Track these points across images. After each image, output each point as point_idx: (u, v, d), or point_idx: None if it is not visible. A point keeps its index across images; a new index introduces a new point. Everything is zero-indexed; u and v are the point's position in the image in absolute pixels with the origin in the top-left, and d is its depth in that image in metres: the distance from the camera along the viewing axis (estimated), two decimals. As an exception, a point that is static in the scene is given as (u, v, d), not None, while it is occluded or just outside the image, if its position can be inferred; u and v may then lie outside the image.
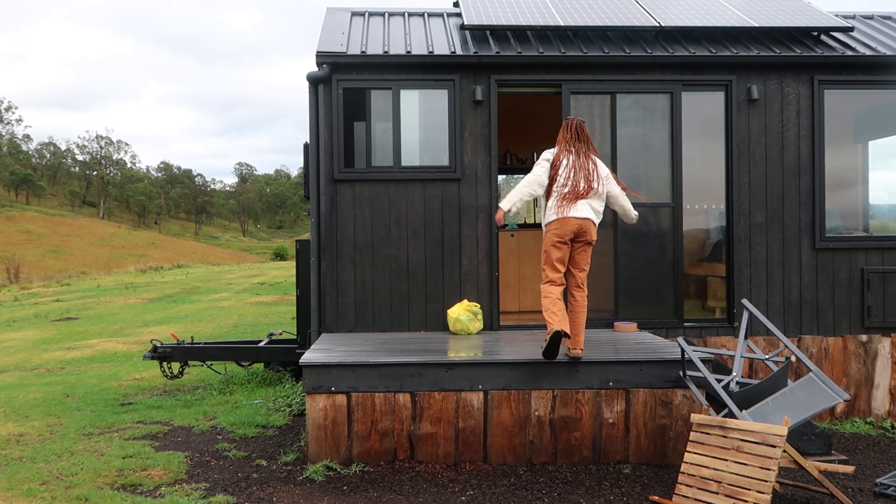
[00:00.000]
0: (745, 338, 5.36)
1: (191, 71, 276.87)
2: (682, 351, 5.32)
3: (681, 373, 5.45)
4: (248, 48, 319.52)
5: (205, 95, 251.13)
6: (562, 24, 7.37)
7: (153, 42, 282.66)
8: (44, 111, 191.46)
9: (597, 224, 5.64)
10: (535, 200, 12.88)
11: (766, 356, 5.33)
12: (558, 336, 5.30)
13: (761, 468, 4.44)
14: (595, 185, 5.57)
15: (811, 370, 4.95)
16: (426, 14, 8.24)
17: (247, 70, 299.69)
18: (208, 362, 8.82)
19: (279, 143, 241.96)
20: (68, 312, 16.35)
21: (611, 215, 7.22)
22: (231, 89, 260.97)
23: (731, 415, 4.85)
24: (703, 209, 7.36)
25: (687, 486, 4.72)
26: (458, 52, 7.10)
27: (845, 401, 4.79)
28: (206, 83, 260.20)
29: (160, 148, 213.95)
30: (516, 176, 15.78)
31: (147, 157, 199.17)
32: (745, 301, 5.50)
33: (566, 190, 5.54)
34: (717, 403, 5.86)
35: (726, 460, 4.61)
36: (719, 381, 5.02)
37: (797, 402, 4.79)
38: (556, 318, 5.36)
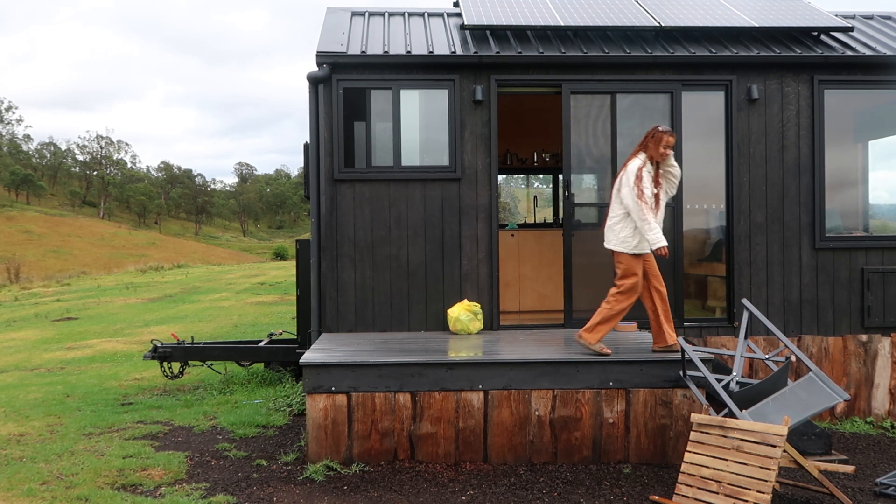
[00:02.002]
0: (746, 337, 5.36)
1: (196, 72, 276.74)
2: (682, 351, 5.33)
3: (681, 372, 5.45)
4: (254, 49, 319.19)
5: (209, 96, 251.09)
6: (562, 23, 7.37)
7: (159, 43, 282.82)
8: (50, 111, 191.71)
9: (609, 242, 5.84)
10: (535, 200, 12.88)
11: (766, 356, 5.33)
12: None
13: (761, 468, 4.44)
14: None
15: (811, 370, 4.95)
16: (426, 14, 8.23)
17: (252, 71, 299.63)
18: (208, 362, 8.82)
19: (281, 143, 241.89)
20: (68, 312, 16.35)
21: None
22: (235, 90, 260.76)
23: (731, 414, 4.85)
24: (703, 209, 7.36)
25: (687, 485, 4.72)
26: (459, 52, 7.10)
27: (845, 400, 4.79)
28: (211, 84, 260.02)
29: (163, 148, 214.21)
30: (516, 176, 15.79)
31: (150, 157, 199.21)
32: (745, 301, 5.51)
33: None
34: (717, 403, 5.86)
35: (726, 460, 4.61)
36: (719, 381, 5.03)
37: (797, 401, 4.80)
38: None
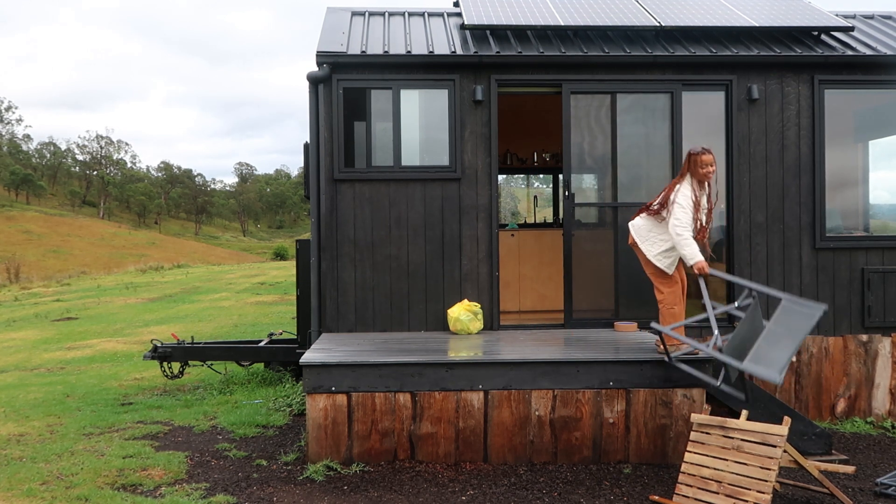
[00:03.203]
0: (709, 298, 5.37)
1: (199, 72, 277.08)
2: (659, 333, 5.33)
3: (665, 358, 5.43)
4: (255, 49, 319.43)
5: (211, 96, 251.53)
6: (562, 23, 7.37)
7: (161, 43, 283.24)
8: (52, 111, 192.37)
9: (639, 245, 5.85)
10: (535, 200, 12.88)
11: (735, 304, 5.33)
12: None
13: (762, 468, 4.44)
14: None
15: (782, 298, 4.94)
16: (426, 14, 8.23)
17: (253, 71, 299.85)
18: (208, 362, 8.82)
19: (282, 143, 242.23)
20: (68, 312, 16.34)
21: (611, 215, 7.22)
22: (237, 90, 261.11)
23: (728, 378, 4.88)
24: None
25: (687, 485, 4.72)
26: (459, 51, 7.09)
27: (825, 312, 4.75)
28: (213, 84, 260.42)
29: (165, 148, 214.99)
30: (516, 176, 15.78)
31: (151, 157, 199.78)
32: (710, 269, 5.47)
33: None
34: (717, 402, 5.87)
35: (727, 460, 4.61)
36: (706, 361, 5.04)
37: (785, 331, 4.74)
38: None
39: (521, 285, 8.68)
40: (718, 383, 5.07)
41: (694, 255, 5.41)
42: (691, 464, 4.77)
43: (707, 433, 4.80)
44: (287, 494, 4.89)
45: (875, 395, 7.15)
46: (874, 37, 7.75)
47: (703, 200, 5.65)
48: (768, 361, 4.58)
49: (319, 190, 7.00)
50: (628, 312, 7.17)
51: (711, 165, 5.56)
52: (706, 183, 5.65)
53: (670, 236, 5.61)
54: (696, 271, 5.42)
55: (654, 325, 5.41)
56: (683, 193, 5.55)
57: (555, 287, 8.38)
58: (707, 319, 7.20)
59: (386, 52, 7.05)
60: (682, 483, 4.75)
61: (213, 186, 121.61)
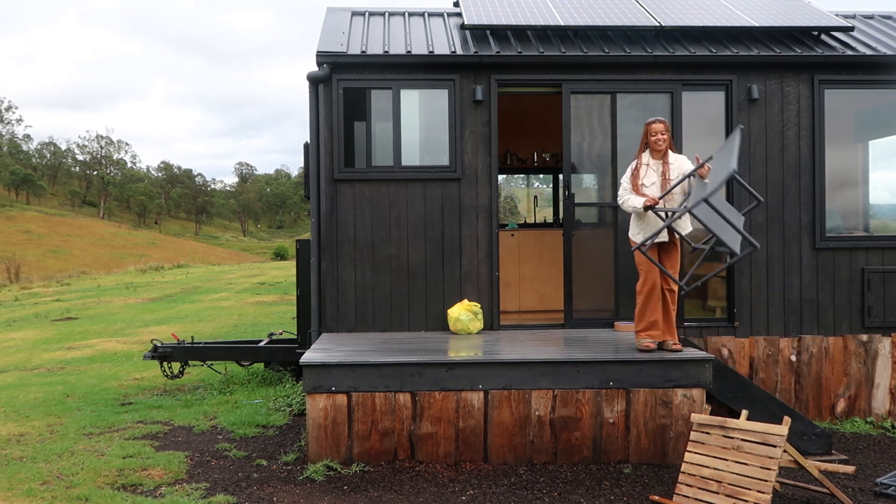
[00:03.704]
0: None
1: (199, 72, 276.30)
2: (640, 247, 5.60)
3: (678, 288, 5.74)
4: (257, 49, 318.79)
5: (211, 96, 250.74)
6: (562, 23, 7.37)
7: (162, 43, 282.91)
8: (52, 111, 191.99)
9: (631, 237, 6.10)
10: (535, 200, 12.86)
11: (687, 207, 5.51)
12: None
13: (762, 468, 4.45)
14: None
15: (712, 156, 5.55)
16: (426, 14, 8.23)
17: (254, 71, 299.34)
18: (208, 362, 8.82)
19: (282, 143, 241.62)
20: (68, 312, 16.34)
21: (611, 215, 7.22)
22: (238, 90, 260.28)
23: (732, 253, 5.15)
24: (704, 209, 7.34)
25: (687, 485, 4.72)
26: (459, 51, 7.09)
27: (742, 130, 5.23)
28: (213, 84, 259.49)
29: (165, 148, 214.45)
30: (516, 176, 15.79)
31: (152, 156, 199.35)
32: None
33: None
34: (716, 402, 5.88)
35: (727, 460, 4.61)
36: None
37: (723, 158, 5.37)
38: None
39: (521, 285, 8.68)
40: (730, 262, 5.56)
41: (638, 200, 5.70)
42: (691, 464, 4.77)
43: (707, 433, 4.80)
44: (287, 494, 4.89)
45: (875, 395, 7.15)
46: (874, 37, 7.75)
47: (668, 172, 5.79)
48: (723, 170, 5.10)
49: (319, 190, 7.00)
50: (628, 312, 7.15)
51: (662, 133, 5.82)
52: (664, 154, 5.84)
53: (639, 217, 5.85)
54: (650, 204, 5.65)
55: (634, 248, 5.66)
56: (628, 168, 5.95)
57: (555, 287, 8.38)
58: (713, 320, 7.25)
59: (386, 52, 7.05)
60: (682, 483, 4.75)
61: (213, 186, 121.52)
